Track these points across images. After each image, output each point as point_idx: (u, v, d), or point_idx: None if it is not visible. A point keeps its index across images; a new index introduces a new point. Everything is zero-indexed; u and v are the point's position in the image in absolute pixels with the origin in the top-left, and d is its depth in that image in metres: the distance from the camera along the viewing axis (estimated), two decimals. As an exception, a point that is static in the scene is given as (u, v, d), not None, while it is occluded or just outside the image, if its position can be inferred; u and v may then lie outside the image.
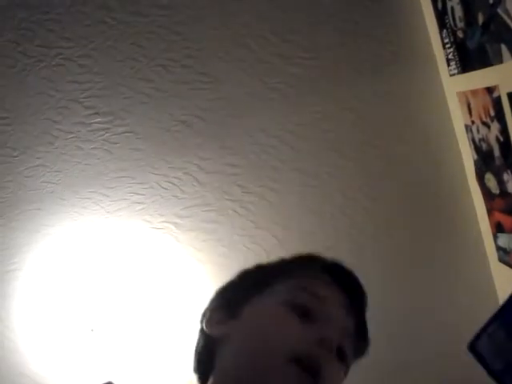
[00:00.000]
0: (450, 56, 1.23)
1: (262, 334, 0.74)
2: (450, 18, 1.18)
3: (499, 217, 1.27)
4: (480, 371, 1.42)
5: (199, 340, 0.85)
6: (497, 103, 1.11)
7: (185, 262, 1.35)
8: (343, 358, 0.76)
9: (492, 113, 1.14)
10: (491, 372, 0.86)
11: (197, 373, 0.84)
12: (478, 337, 0.84)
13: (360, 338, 0.82)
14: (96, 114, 1.26)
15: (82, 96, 1.25)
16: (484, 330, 0.84)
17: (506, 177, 1.18)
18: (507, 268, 1.32)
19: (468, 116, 1.25)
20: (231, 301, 0.83)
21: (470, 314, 1.45)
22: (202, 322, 0.85)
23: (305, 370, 0.69)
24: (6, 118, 1.24)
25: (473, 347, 0.84)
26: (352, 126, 1.33)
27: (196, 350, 0.84)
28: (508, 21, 0.99)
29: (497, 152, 1.18)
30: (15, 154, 1.26)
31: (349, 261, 1.38)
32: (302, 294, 0.78)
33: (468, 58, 1.17)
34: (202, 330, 0.84)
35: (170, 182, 1.31)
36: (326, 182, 1.36)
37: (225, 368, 0.75)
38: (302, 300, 0.77)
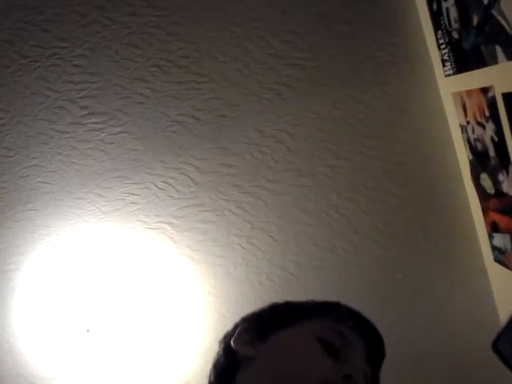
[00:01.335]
0: (445, 57, 1.23)
1: (291, 359, 0.78)
2: (445, 19, 1.18)
3: (494, 216, 1.27)
4: (478, 369, 1.44)
5: (221, 357, 0.88)
6: (492, 103, 1.11)
7: (180, 262, 1.35)
8: None
9: (487, 113, 1.14)
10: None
11: None
12: (499, 336, 0.87)
13: None
14: (91, 114, 1.26)
15: (77, 96, 1.25)
16: (504, 329, 0.86)
17: (501, 177, 1.18)
18: (502, 268, 1.32)
19: (463, 116, 1.25)
20: (260, 326, 0.87)
21: (466, 314, 1.46)
22: (227, 339, 0.88)
23: None
24: (1, 118, 1.24)
25: (495, 346, 0.87)
26: (347, 126, 1.33)
27: (215, 368, 0.88)
28: (503, 22, 0.99)
29: (492, 152, 1.18)
30: (10, 154, 1.26)
31: (345, 260, 1.39)
32: (329, 332, 0.82)
33: (463, 59, 1.17)
34: (225, 348, 0.88)
35: (165, 183, 1.31)
36: (322, 182, 1.36)
37: None
38: (329, 337, 0.81)
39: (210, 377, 0.88)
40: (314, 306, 0.94)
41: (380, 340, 0.90)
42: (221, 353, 0.88)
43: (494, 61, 1.06)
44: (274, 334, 0.84)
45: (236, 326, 0.91)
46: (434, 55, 1.29)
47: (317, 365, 0.76)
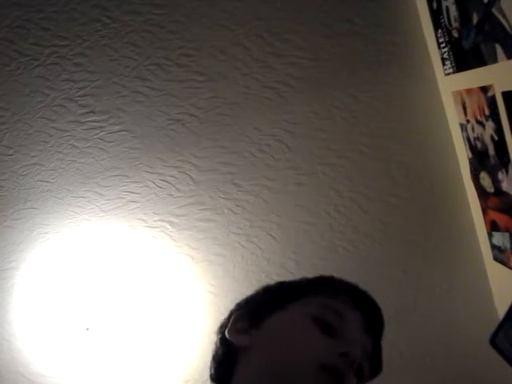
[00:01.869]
0: (445, 55, 1.23)
1: (287, 343, 0.77)
2: (445, 18, 1.18)
3: (494, 215, 1.27)
4: (477, 368, 1.44)
5: (218, 349, 0.88)
6: (491, 102, 1.11)
7: (180, 260, 1.35)
8: (361, 378, 0.78)
9: (487, 112, 1.14)
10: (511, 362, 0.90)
11: (214, 381, 0.86)
12: (496, 332, 0.89)
13: (375, 360, 0.85)
14: (91, 112, 1.26)
15: (77, 94, 1.25)
16: (502, 324, 0.87)
17: (500, 176, 1.18)
18: (502, 266, 1.32)
19: (463, 115, 1.25)
20: (254, 312, 0.86)
21: (466, 312, 1.46)
22: (223, 329, 0.87)
23: (332, 378, 0.71)
24: (1, 116, 1.24)
25: (493, 341, 0.88)
26: (347, 125, 1.33)
27: (214, 359, 0.87)
28: (503, 21, 0.99)
29: (491, 151, 1.18)
30: (10, 152, 1.26)
31: (344, 259, 1.39)
32: (324, 311, 0.82)
33: (463, 58, 1.17)
34: (221, 339, 0.87)
35: (165, 181, 1.31)
36: (322, 180, 1.36)
37: (248, 376, 0.78)
38: (324, 316, 0.81)
39: (211, 369, 0.88)
40: (306, 283, 0.93)
41: (377, 310, 0.89)
42: (218, 344, 0.88)
43: (494, 59, 1.05)
44: (269, 318, 0.83)
45: (231, 314, 0.90)
46: (434, 54, 1.29)
47: (313, 346, 0.75)
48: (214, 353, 0.87)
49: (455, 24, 1.15)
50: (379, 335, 0.88)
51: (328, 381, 0.72)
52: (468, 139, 1.27)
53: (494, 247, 1.33)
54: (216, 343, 0.88)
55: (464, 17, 1.11)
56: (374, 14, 1.29)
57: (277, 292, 0.91)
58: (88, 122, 1.26)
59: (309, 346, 0.75)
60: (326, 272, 1.38)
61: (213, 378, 0.87)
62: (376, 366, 0.86)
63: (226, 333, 0.85)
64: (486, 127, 1.16)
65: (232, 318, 0.88)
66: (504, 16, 0.98)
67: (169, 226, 1.33)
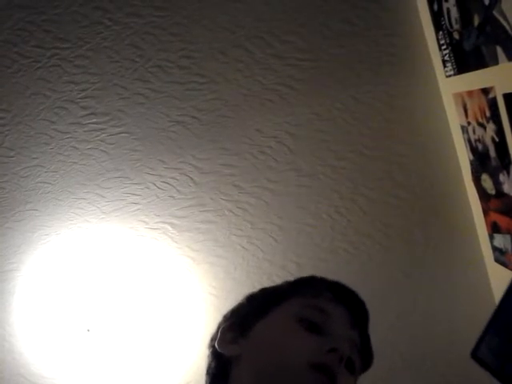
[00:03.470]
0: (446, 57, 1.23)
1: (275, 347, 0.78)
2: (446, 20, 1.18)
3: (495, 217, 1.27)
4: (477, 368, 1.43)
5: (211, 362, 0.88)
6: (492, 104, 1.11)
7: (181, 262, 1.35)
8: (353, 371, 0.79)
9: (488, 114, 1.14)
10: (496, 374, 0.88)
11: None
12: (477, 345, 0.87)
13: (365, 352, 0.86)
14: (92, 114, 1.27)
15: (78, 96, 1.25)
16: (482, 337, 0.86)
17: (501, 177, 1.18)
18: (503, 268, 1.32)
19: (464, 117, 1.25)
20: (241, 321, 0.87)
21: (467, 314, 1.46)
22: (213, 343, 0.87)
23: (323, 375, 0.71)
24: (2, 118, 1.24)
25: (475, 355, 0.87)
26: (348, 127, 1.33)
27: (208, 372, 0.88)
28: (504, 23, 0.99)
29: (493, 153, 1.18)
30: (11, 154, 1.26)
31: (345, 261, 1.39)
32: (308, 310, 0.82)
33: (464, 60, 1.17)
34: (213, 352, 0.87)
35: (166, 183, 1.31)
36: (323, 182, 1.36)
37: None
38: (308, 315, 0.81)
39: (206, 383, 0.88)
40: (288, 286, 0.93)
41: (361, 303, 0.90)
42: (210, 357, 0.88)
43: (495, 61, 1.05)
44: (256, 325, 0.83)
45: (219, 327, 0.91)
46: (435, 56, 1.29)
47: (300, 347, 0.76)
48: (208, 367, 0.88)
49: (456, 26, 1.15)
50: (365, 327, 0.89)
51: (320, 379, 0.72)
52: (469, 141, 1.27)
53: (495, 249, 1.33)
54: (208, 357, 0.88)
55: (465, 19, 1.11)
56: (375, 16, 1.29)
57: (261, 298, 0.92)
58: (89, 123, 1.27)
59: (297, 347, 0.76)
60: (328, 274, 1.38)
61: None
62: (366, 358, 0.87)
63: (216, 345, 0.85)
64: (487, 129, 1.16)
65: (220, 330, 0.88)
66: (505, 18, 0.98)
67: (170, 228, 1.33)
